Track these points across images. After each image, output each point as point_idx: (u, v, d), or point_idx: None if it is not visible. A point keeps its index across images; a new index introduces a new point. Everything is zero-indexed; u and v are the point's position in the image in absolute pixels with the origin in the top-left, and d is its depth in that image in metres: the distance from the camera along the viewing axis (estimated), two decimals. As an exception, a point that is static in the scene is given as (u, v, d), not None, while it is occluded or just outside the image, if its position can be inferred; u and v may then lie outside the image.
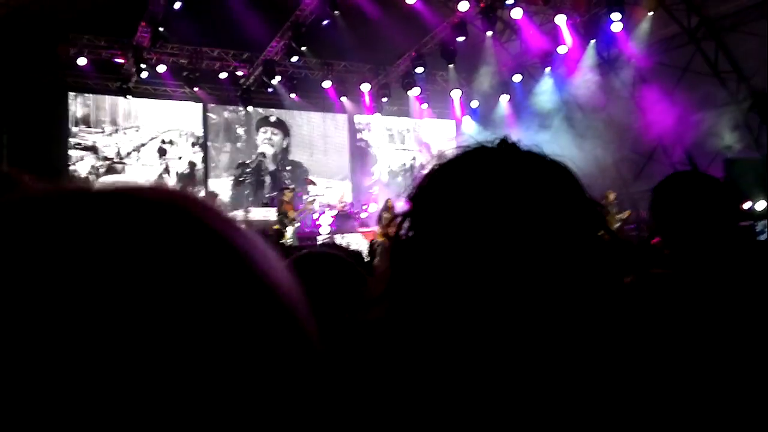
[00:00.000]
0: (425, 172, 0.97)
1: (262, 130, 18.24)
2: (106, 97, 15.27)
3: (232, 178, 17.51)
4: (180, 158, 16.79)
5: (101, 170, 14.14)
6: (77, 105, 14.46)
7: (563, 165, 0.94)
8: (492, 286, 0.84)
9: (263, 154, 18.01)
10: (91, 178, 13.59)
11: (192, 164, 16.87)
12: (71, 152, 15.38)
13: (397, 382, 0.86)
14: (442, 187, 0.94)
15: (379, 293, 0.96)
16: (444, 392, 0.83)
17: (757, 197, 12.46)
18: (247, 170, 17.72)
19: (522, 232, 0.85)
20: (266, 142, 18.20)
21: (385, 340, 0.92)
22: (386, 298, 0.94)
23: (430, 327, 0.87)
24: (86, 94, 15.09)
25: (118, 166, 14.44)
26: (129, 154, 14.83)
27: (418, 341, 0.88)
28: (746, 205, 12.33)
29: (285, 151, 18.42)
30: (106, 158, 14.46)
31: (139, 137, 15.40)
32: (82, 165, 15.35)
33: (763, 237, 10.85)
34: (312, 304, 0.48)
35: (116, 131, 14.90)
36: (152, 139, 15.66)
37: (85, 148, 14.15)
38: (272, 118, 18.29)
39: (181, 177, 16.56)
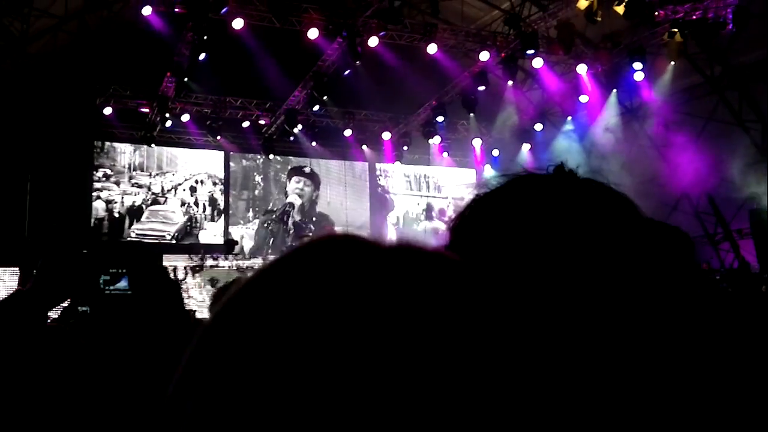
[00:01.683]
0: (467, 201, 0.90)
1: (295, 179, 18.35)
2: (155, 147, 16.24)
3: (256, 224, 17.55)
4: (203, 203, 17.08)
5: (148, 202, 16.04)
6: (134, 154, 16.25)
7: (624, 194, 0.88)
8: (550, 320, 0.77)
9: (291, 205, 18.08)
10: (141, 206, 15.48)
11: (213, 208, 17.06)
12: (96, 203, 15.68)
13: None
14: (486, 216, 0.86)
15: None
16: None
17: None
18: (273, 217, 17.79)
19: (582, 263, 0.79)
20: (297, 192, 18.30)
21: None
22: None
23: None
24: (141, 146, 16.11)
25: (161, 199, 16.12)
26: (168, 191, 16.38)
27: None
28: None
29: (313, 202, 18.51)
30: (153, 193, 16.12)
31: (176, 179, 16.61)
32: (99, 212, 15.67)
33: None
34: None
35: (160, 174, 16.49)
36: (186, 180, 16.77)
37: (139, 186, 15.98)
38: (306, 169, 18.41)
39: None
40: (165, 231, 16.04)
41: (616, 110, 15.89)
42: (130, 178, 16.18)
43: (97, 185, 15.67)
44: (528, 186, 0.87)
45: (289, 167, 18.37)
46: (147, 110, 15.67)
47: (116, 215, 15.64)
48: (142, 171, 16.29)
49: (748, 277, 12.51)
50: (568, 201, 0.84)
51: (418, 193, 19.96)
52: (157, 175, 16.48)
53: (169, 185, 16.57)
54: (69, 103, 14.59)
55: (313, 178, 18.57)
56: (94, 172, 15.77)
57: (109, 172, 15.92)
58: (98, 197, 15.55)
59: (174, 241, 15.91)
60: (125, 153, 16.17)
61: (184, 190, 16.72)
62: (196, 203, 16.84)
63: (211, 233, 16.70)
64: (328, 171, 18.87)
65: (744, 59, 14.35)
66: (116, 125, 15.89)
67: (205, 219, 16.88)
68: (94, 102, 15.12)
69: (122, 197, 15.83)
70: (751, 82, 14.54)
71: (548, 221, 0.81)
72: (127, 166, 16.13)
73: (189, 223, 16.53)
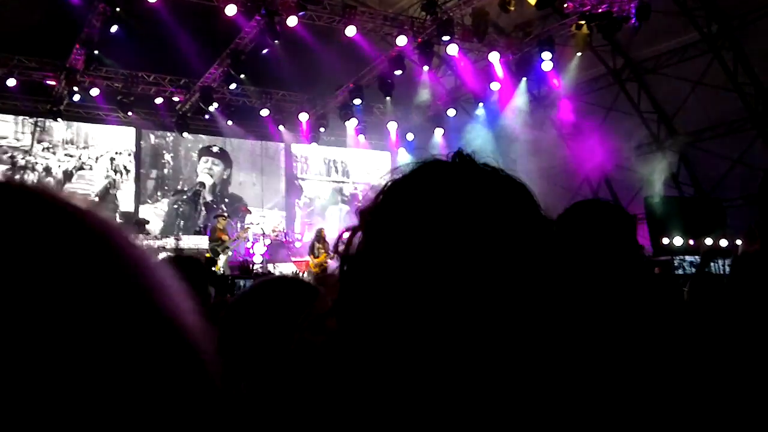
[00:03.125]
0: (379, 186, 0.94)
1: (203, 159, 18.15)
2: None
3: (165, 205, 17.27)
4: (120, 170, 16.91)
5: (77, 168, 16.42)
6: (66, 131, 16.30)
7: (519, 179, 0.93)
8: (446, 301, 0.82)
9: (202, 184, 17.86)
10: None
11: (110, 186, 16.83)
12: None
13: (344, 402, 0.82)
14: (397, 201, 0.91)
15: (329, 308, 0.92)
16: (393, 410, 0.80)
17: (674, 233, 13.06)
18: (183, 197, 17.52)
19: (479, 246, 0.83)
20: (206, 171, 18.08)
21: (332, 361, 0.87)
22: (336, 313, 0.91)
23: (382, 342, 0.84)
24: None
25: (86, 166, 16.49)
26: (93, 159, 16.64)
27: (368, 358, 0.84)
28: (665, 241, 12.93)
29: (225, 182, 18.32)
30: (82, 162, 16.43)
31: (98, 151, 16.77)
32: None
33: (680, 272, 11.35)
34: (280, 326, 0.48)
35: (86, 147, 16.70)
36: (107, 152, 16.89)
37: (71, 156, 16.29)
38: (215, 148, 18.20)
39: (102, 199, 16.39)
40: (89, 190, 16.17)
41: (525, 98, 16.49)
42: (64, 150, 16.37)
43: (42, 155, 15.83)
44: (431, 173, 0.92)
45: (200, 146, 18.11)
46: (54, 83, 15.07)
47: (52, 179, 15.64)
48: (72, 144, 16.38)
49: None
50: (466, 187, 0.89)
51: (329, 179, 20.06)
52: (84, 147, 16.57)
53: (94, 155, 16.70)
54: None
55: (223, 158, 18.38)
56: (37, 144, 15.82)
57: (47, 145, 16.01)
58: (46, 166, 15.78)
59: (97, 199, 15.91)
60: (60, 130, 16.23)
61: (106, 159, 16.86)
62: (115, 171, 16.93)
63: (124, 197, 16.83)
64: (242, 151, 18.71)
65: (644, 53, 15.19)
66: (20, 98, 15.21)
67: (122, 182, 16.96)
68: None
69: (58, 165, 16.05)
70: (649, 75, 15.42)
71: (444, 207, 0.86)
72: (61, 140, 16.21)
73: (108, 186, 16.65)
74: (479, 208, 0.86)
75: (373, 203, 0.93)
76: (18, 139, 15.66)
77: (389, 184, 0.93)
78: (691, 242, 13.02)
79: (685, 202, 15.09)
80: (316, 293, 1.71)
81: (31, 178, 13.78)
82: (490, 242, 0.84)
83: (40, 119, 15.82)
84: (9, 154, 15.47)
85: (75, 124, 16.42)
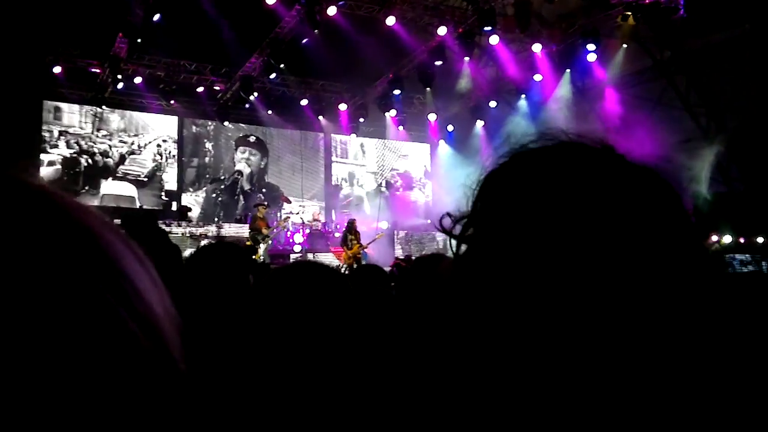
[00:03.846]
0: (490, 168, 0.82)
1: (241, 149, 18.30)
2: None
3: (204, 193, 17.48)
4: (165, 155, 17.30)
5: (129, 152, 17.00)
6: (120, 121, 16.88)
7: (655, 170, 0.86)
8: (588, 299, 0.72)
9: (240, 173, 18.01)
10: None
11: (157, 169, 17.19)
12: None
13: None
14: (523, 186, 0.79)
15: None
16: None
17: (723, 231, 12.69)
18: (222, 187, 17.70)
19: (621, 240, 0.74)
20: (243, 161, 18.20)
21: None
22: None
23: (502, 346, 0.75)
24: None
25: (137, 151, 17.05)
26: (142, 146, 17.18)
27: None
28: (714, 238, 12.57)
29: (262, 171, 18.45)
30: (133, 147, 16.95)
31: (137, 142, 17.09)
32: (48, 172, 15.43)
33: (730, 270, 11.02)
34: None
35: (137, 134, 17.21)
36: (155, 139, 17.32)
37: (124, 142, 16.84)
38: (251, 138, 18.33)
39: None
40: (140, 172, 16.65)
41: (569, 90, 16.19)
42: (119, 137, 16.79)
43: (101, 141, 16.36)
44: (566, 158, 0.83)
45: (237, 137, 18.27)
46: (98, 71, 15.31)
47: (111, 161, 16.41)
48: (125, 132, 16.87)
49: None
50: (609, 176, 0.81)
51: (368, 169, 20.04)
52: (135, 135, 16.92)
53: (143, 141, 17.04)
54: (17, 61, 14.14)
55: (260, 147, 18.49)
56: (97, 132, 16.32)
57: (105, 132, 16.48)
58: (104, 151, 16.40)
59: (146, 179, 16.64)
60: (115, 119, 16.73)
61: (153, 145, 17.19)
62: (161, 155, 17.26)
63: (170, 179, 17.28)
64: (281, 140, 18.79)
65: (692, 45, 14.76)
66: (65, 85, 15.49)
67: (167, 166, 17.27)
68: (44, 61, 14.69)
69: (115, 149, 16.55)
70: (699, 67, 14.98)
71: (588, 196, 0.77)
72: (116, 128, 16.69)
73: (155, 168, 16.97)
74: (624, 199, 0.78)
75: (487, 187, 0.81)
76: (82, 128, 16.19)
77: (506, 165, 0.82)
78: (741, 240, 12.64)
79: (735, 198, 14.65)
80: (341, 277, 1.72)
81: (93, 160, 15.85)
82: (636, 236, 0.75)
83: (98, 110, 16.21)
84: (75, 140, 16.02)
85: (128, 113, 16.76)
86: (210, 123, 17.80)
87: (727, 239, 12.60)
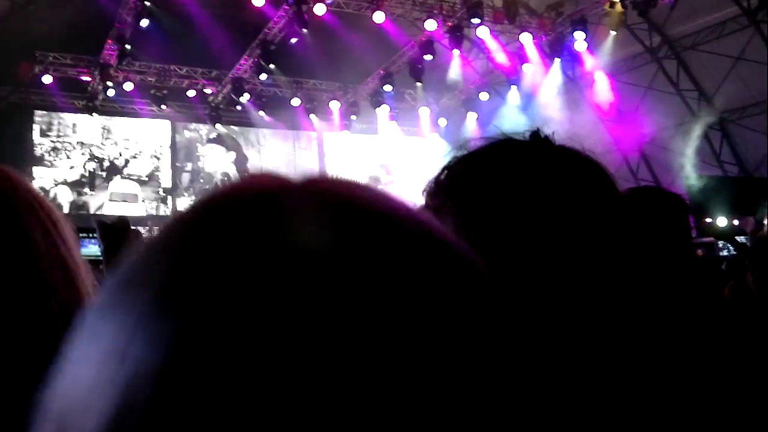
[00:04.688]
0: (442, 165, 0.87)
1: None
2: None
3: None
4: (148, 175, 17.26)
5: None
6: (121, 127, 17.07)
7: (598, 161, 0.89)
8: (524, 290, 0.75)
9: (227, 174, 18.04)
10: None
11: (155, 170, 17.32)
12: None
13: None
14: (469, 183, 0.84)
15: None
16: None
17: (717, 214, 12.73)
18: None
19: (561, 231, 0.78)
20: (221, 161, 18.24)
21: None
22: None
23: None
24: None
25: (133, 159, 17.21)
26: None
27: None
28: (707, 221, 12.61)
29: (240, 162, 18.30)
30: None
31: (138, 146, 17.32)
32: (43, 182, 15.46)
33: (724, 253, 11.06)
34: None
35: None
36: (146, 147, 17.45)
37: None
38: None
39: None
40: (141, 173, 17.03)
41: (559, 79, 16.21)
42: (124, 143, 17.11)
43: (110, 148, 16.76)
44: (505, 153, 0.86)
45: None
46: (89, 79, 15.28)
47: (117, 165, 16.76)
48: (128, 140, 17.10)
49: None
50: (550, 169, 0.84)
51: (369, 164, 20.04)
52: (136, 142, 17.15)
53: (143, 145, 17.29)
54: (6, 71, 14.12)
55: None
56: (105, 141, 16.74)
57: (112, 141, 16.84)
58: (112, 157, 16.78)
59: (146, 179, 16.91)
60: (120, 128, 17.02)
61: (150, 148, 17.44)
62: (157, 158, 17.47)
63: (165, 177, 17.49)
64: (275, 141, 18.80)
65: (681, 29, 14.80)
66: (56, 94, 15.46)
67: (161, 167, 17.45)
68: (31, 70, 14.66)
69: (120, 154, 16.88)
70: (688, 52, 15.03)
71: (530, 190, 0.81)
72: (121, 136, 16.97)
73: (153, 169, 17.23)
74: (559, 191, 0.81)
75: (440, 183, 0.86)
76: (93, 138, 16.61)
77: (458, 162, 0.87)
78: (736, 222, 12.68)
79: (728, 181, 14.70)
80: None
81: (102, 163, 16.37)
82: (574, 225, 0.79)
83: (106, 122, 16.61)
84: (88, 148, 16.47)
85: (130, 122, 16.91)
86: (203, 127, 17.79)
87: (722, 222, 12.64)
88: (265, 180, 0.39)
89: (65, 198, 15.76)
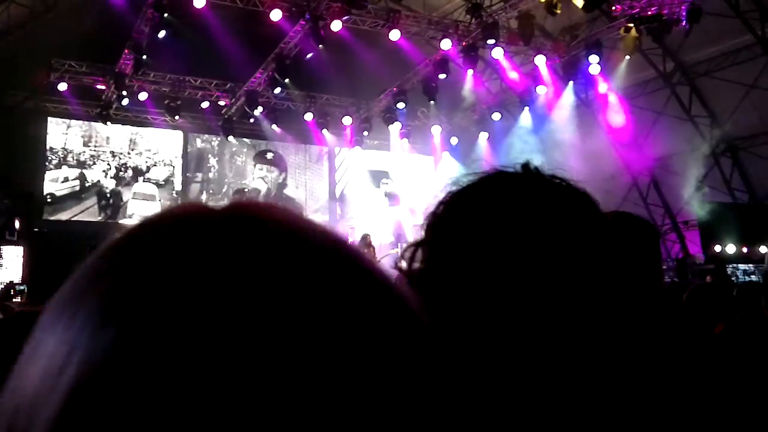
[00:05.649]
0: (440, 199, 0.93)
1: (258, 167, 18.60)
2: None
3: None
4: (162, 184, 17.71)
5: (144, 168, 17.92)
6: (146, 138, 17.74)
7: (586, 192, 0.92)
8: (518, 319, 0.80)
9: (257, 191, 18.33)
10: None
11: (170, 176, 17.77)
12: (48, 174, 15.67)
13: None
14: (463, 215, 0.89)
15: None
16: None
17: (727, 240, 12.66)
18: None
19: (551, 263, 0.82)
20: (261, 177, 18.50)
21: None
22: None
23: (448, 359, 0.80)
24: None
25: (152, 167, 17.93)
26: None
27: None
28: (717, 248, 12.55)
29: (281, 185, 18.81)
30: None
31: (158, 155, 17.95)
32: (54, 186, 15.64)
33: (733, 279, 11.00)
34: None
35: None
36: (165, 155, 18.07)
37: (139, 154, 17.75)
38: (269, 155, 18.64)
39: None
40: (159, 178, 17.66)
41: (572, 102, 16.22)
42: (147, 152, 17.79)
43: (135, 157, 17.50)
44: (499, 186, 0.90)
45: (254, 154, 18.57)
46: (103, 87, 15.41)
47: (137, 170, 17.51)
48: (150, 150, 17.77)
49: (690, 268, 12.96)
50: (536, 201, 0.87)
51: (372, 183, 20.07)
52: (155, 153, 17.76)
53: (162, 154, 17.87)
54: (23, 77, 14.27)
55: (278, 164, 18.72)
56: (131, 151, 17.41)
57: (138, 151, 17.57)
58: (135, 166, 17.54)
59: (163, 183, 17.63)
60: (145, 139, 17.68)
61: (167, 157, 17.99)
62: (172, 165, 18.04)
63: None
64: (286, 154, 18.90)
65: (695, 56, 14.80)
66: (71, 101, 15.61)
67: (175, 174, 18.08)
68: (47, 78, 14.81)
69: (145, 162, 17.63)
70: (701, 78, 15.02)
71: (517, 221, 0.84)
72: (144, 147, 17.66)
73: (169, 175, 17.85)
74: (548, 224, 0.85)
75: (436, 216, 0.92)
76: (122, 147, 17.27)
77: (452, 196, 0.92)
78: (745, 250, 12.61)
79: (739, 208, 14.63)
80: None
81: (128, 173, 17.16)
82: (561, 256, 0.83)
83: (132, 134, 17.26)
84: (116, 157, 17.14)
85: (154, 132, 17.39)
86: (215, 138, 17.94)
87: (731, 249, 12.57)
88: (188, 207, 0.45)
89: (103, 191, 16.84)
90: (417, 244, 0.91)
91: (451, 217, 0.90)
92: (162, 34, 12.63)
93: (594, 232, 0.87)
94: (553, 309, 0.81)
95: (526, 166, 0.93)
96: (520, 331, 0.80)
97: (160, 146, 17.68)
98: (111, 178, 17.03)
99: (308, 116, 17.51)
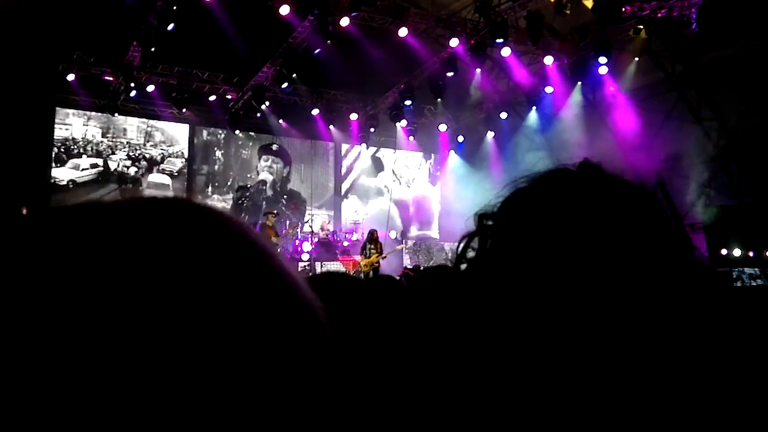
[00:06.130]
0: (504, 193, 0.94)
1: (264, 158, 18.61)
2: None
3: (215, 199, 17.65)
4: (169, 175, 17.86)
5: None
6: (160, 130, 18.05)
7: (647, 190, 0.94)
8: (580, 311, 0.80)
9: (264, 182, 18.38)
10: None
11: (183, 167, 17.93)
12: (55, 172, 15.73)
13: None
14: (528, 208, 0.90)
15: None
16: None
17: (733, 244, 12.61)
18: (247, 194, 17.94)
19: (612, 259, 0.82)
20: (267, 170, 18.49)
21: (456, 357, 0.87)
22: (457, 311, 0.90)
23: (509, 348, 0.83)
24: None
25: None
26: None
27: (495, 359, 0.83)
28: (723, 252, 12.50)
29: (285, 179, 18.81)
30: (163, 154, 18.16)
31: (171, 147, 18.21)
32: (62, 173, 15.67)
33: (738, 284, 10.95)
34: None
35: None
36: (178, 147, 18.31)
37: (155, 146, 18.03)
38: (274, 146, 18.67)
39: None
40: (173, 169, 17.85)
41: (580, 102, 16.17)
42: (161, 144, 18.06)
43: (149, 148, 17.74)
44: (559, 183, 0.92)
45: (259, 146, 18.57)
46: (111, 79, 15.43)
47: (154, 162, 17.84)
48: (164, 143, 18.05)
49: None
50: (594, 198, 0.89)
51: (377, 179, 20.08)
52: (170, 145, 18.00)
53: (174, 146, 18.05)
54: (30, 67, 14.29)
55: (282, 156, 18.71)
56: (146, 144, 17.63)
57: (152, 142, 17.81)
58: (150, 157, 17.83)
59: (176, 174, 17.90)
60: (159, 131, 17.93)
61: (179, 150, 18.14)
62: (184, 158, 18.25)
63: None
64: (292, 149, 18.92)
65: (704, 59, 14.73)
66: (79, 92, 15.63)
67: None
68: (57, 68, 14.83)
69: (159, 154, 17.86)
70: (710, 81, 14.94)
71: (575, 218, 0.85)
72: (158, 139, 17.89)
73: (181, 167, 17.98)
74: (609, 219, 0.86)
75: (500, 210, 0.93)
76: (138, 140, 17.47)
77: (515, 191, 0.93)
78: (751, 254, 12.56)
79: (746, 212, 14.56)
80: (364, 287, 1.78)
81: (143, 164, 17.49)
82: (624, 254, 0.83)
83: (147, 127, 17.44)
84: (132, 148, 17.38)
85: (165, 127, 17.59)
86: (221, 131, 17.97)
87: (737, 253, 12.52)
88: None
89: (123, 177, 17.17)
90: (472, 234, 0.92)
91: (516, 209, 0.91)
92: (170, 26, 12.64)
93: (660, 226, 0.89)
94: (623, 301, 0.81)
95: (584, 164, 0.95)
96: (588, 321, 0.80)
97: (173, 138, 17.82)
98: (129, 167, 17.26)
99: (315, 111, 17.53)
